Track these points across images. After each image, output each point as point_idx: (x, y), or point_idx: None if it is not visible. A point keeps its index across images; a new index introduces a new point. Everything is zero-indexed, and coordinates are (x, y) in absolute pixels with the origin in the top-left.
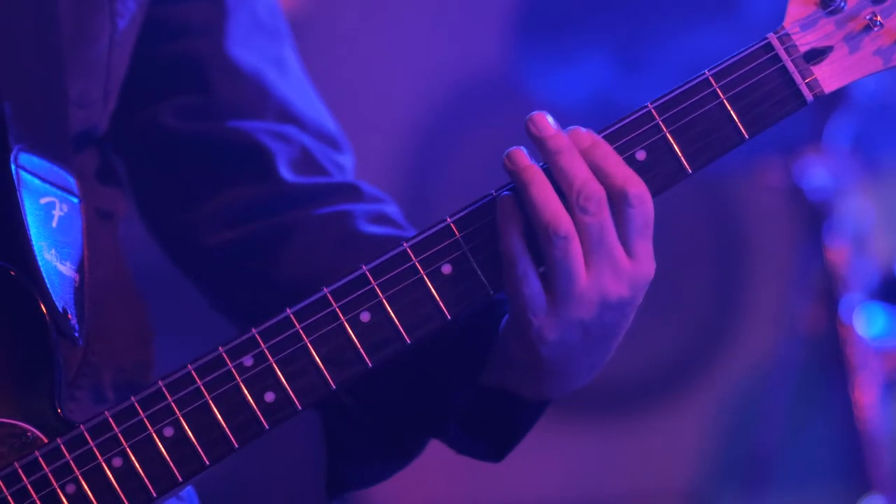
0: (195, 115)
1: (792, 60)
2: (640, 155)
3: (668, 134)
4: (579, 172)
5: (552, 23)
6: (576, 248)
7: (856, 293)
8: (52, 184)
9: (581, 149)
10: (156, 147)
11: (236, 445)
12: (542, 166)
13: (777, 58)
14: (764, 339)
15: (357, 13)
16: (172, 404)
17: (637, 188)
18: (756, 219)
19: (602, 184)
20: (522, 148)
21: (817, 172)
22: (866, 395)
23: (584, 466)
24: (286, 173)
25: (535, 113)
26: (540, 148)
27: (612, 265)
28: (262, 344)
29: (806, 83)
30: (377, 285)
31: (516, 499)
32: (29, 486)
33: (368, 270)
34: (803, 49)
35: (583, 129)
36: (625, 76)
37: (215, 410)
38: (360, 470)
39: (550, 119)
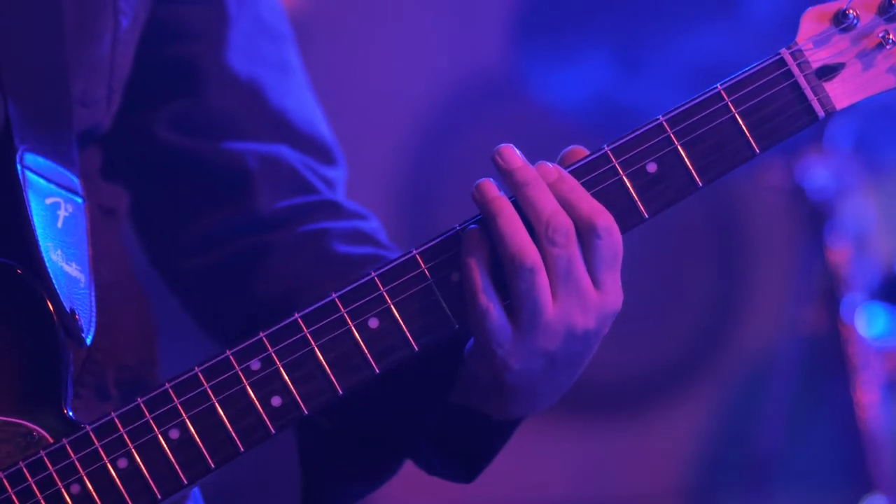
0: (188, 128)
1: (804, 76)
2: (651, 167)
3: (679, 147)
4: (547, 205)
5: (553, 23)
6: (542, 280)
7: (857, 293)
8: (57, 184)
9: (548, 182)
10: (148, 157)
11: (242, 449)
12: (510, 199)
13: (790, 73)
14: (765, 339)
15: (357, 14)
16: (179, 406)
17: (605, 220)
18: (757, 219)
19: (570, 216)
20: (491, 180)
21: (819, 172)
22: (867, 395)
23: (585, 466)
24: (267, 202)
25: (502, 146)
26: (507, 180)
27: (580, 297)
28: (269, 348)
29: (818, 99)
30: (386, 291)
31: (517, 498)
32: (33, 486)
33: (378, 276)
34: (816, 65)
35: (549, 164)
36: (625, 76)
37: (221, 413)
38: (335, 492)
39: (518, 152)
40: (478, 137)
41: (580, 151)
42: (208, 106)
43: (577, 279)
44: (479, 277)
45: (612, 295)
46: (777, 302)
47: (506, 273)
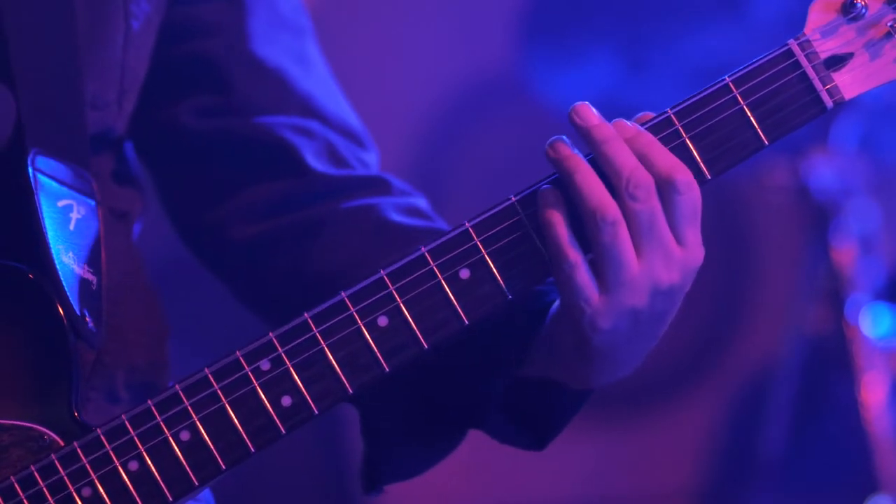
0: (216, 114)
1: (812, 67)
2: None
3: (687, 139)
4: (627, 161)
5: (558, 24)
6: (624, 233)
7: (862, 293)
8: (69, 186)
9: (625, 138)
10: (177, 147)
11: (253, 450)
12: (587, 157)
13: (797, 64)
14: (770, 339)
15: (362, 16)
16: (189, 408)
17: (684, 175)
18: (762, 219)
19: (649, 172)
20: (564, 137)
21: (824, 172)
22: (872, 395)
23: (590, 466)
24: (315, 164)
25: (578, 104)
26: (585, 138)
27: (664, 252)
28: (279, 348)
29: (826, 90)
30: (395, 289)
31: (523, 498)
32: (45, 490)
33: (386, 274)
34: (824, 56)
35: (627, 121)
36: (631, 77)
37: (232, 414)
38: (398, 462)
39: (594, 109)
40: (482, 138)
41: (649, 116)
42: (235, 94)
43: (661, 234)
44: (563, 233)
45: (695, 250)
46: (782, 302)
47: (587, 229)
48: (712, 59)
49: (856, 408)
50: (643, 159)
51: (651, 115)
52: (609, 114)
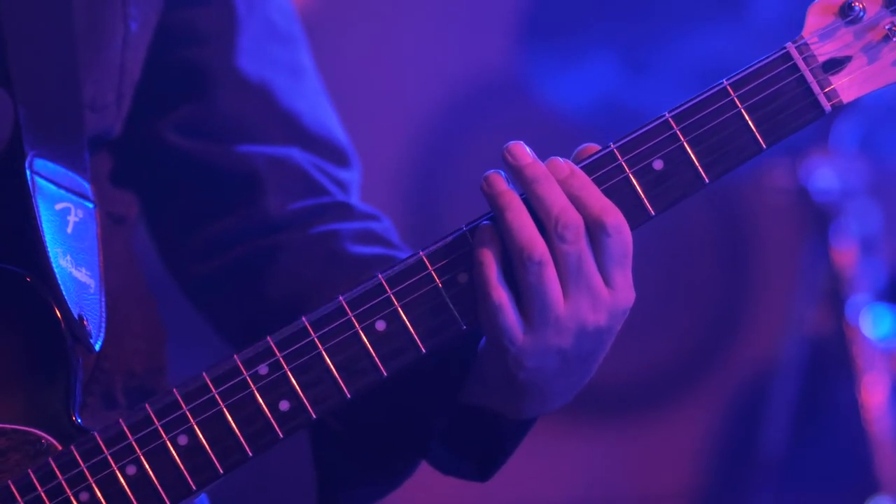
0: (197, 131)
1: (810, 70)
2: (658, 164)
3: (685, 143)
4: (557, 200)
5: (558, 26)
6: (551, 274)
7: (862, 294)
8: (67, 189)
9: (558, 178)
10: (158, 163)
11: (251, 454)
12: (521, 196)
13: (795, 67)
14: (770, 341)
15: (362, 18)
16: (187, 413)
17: (614, 218)
18: (762, 220)
19: (580, 213)
20: (501, 172)
21: (824, 174)
22: (873, 396)
23: (590, 468)
24: (278, 204)
25: (511, 143)
26: (517, 177)
27: (591, 294)
28: (277, 353)
29: (824, 93)
30: (393, 294)
31: (523, 499)
32: (43, 494)
33: (385, 279)
34: (822, 59)
35: (560, 159)
36: (631, 78)
37: (230, 419)
38: (350, 493)
39: (528, 149)
40: (484, 140)
41: (592, 148)
42: (217, 109)
43: (588, 276)
44: (491, 273)
45: (623, 292)
46: (782, 303)
47: (515, 267)
48: (713, 60)
49: (856, 409)
50: (575, 200)
51: (596, 147)
52: (609, 115)
